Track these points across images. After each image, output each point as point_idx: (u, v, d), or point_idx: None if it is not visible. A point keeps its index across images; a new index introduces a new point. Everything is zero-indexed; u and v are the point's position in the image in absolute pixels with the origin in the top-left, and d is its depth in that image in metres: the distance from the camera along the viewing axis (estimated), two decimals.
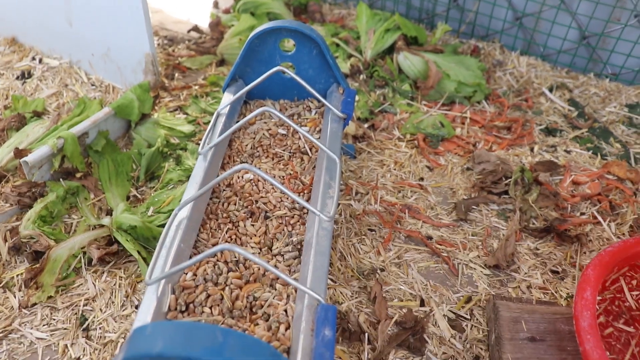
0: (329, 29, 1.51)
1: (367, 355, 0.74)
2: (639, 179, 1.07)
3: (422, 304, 0.81)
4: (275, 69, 0.86)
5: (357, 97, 1.23)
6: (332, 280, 0.83)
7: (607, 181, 1.08)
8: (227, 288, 0.69)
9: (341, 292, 0.81)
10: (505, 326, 0.73)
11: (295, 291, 0.68)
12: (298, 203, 0.75)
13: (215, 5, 1.72)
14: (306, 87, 0.87)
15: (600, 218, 0.98)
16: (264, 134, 0.94)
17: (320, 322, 0.59)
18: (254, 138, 0.94)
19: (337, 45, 1.41)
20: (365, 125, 1.16)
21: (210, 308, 0.66)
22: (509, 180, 1.03)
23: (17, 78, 1.31)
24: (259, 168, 0.87)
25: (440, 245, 0.91)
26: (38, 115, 1.16)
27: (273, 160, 0.90)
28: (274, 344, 0.61)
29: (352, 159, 1.06)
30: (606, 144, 1.21)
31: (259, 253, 0.74)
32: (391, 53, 1.38)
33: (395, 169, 1.06)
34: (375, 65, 1.34)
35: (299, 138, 0.93)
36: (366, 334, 0.76)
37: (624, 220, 0.97)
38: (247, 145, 0.92)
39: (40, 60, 1.37)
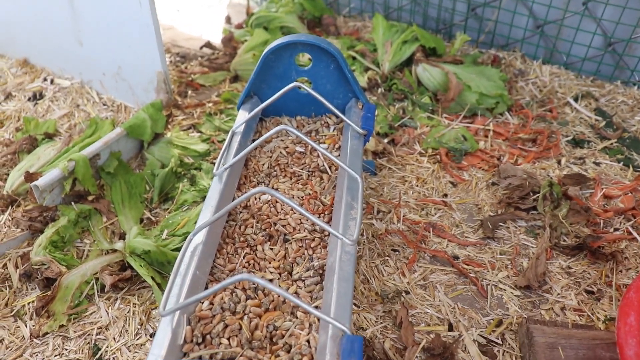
0: (345, 42, 1.49)
1: None
2: None
3: (451, 328, 0.78)
4: (291, 85, 0.83)
5: (376, 112, 1.20)
6: (355, 304, 0.79)
7: None
8: (245, 317, 0.66)
9: (365, 317, 0.78)
10: (541, 353, 0.69)
11: (318, 320, 0.64)
12: (319, 226, 0.72)
13: (228, 20, 1.70)
14: (324, 103, 0.84)
15: (635, 234, 0.94)
16: (281, 152, 0.92)
17: (346, 355, 0.56)
18: (271, 157, 0.91)
19: (354, 58, 1.39)
20: (385, 141, 1.13)
21: (229, 339, 0.63)
22: (537, 195, 0.99)
23: (29, 99, 1.30)
24: (277, 188, 0.84)
25: (468, 265, 0.87)
26: (50, 137, 1.15)
27: (291, 179, 0.88)
28: None
29: (373, 176, 1.03)
30: (638, 155, 1.17)
31: (278, 279, 0.71)
32: (409, 65, 1.36)
33: (417, 186, 1.03)
34: (393, 78, 1.32)
35: (318, 156, 0.90)
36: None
37: None
38: (263, 165, 0.89)
39: (52, 81, 1.36)
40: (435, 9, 1.56)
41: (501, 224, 0.96)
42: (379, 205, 0.97)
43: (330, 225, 0.70)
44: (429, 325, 0.78)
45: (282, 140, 0.95)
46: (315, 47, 0.93)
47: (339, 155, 0.89)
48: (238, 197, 0.78)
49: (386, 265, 0.86)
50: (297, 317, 0.66)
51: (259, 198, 0.83)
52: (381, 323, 0.78)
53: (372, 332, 0.76)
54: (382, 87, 1.31)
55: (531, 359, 0.70)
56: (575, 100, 1.33)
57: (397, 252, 0.89)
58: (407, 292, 0.83)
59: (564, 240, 0.93)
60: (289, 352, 0.62)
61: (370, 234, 0.91)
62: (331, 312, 0.62)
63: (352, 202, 0.75)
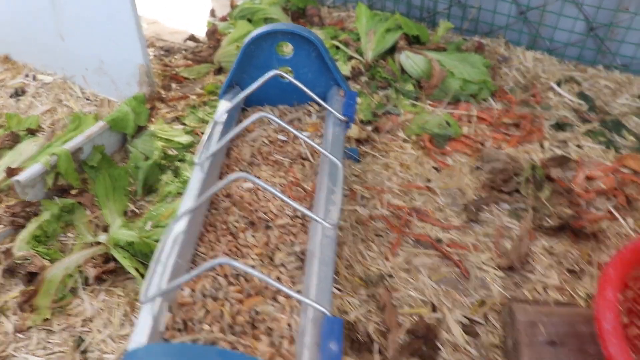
0: (329, 32, 1.49)
1: None
2: None
3: (434, 310, 0.79)
4: (271, 73, 0.83)
5: (359, 100, 1.21)
6: (338, 289, 0.80)
7: (622, 175, 1.05)
8: (227, 303, 0.66)
9: (349, 302, 0.79)
10: (522, 331, 0.70)
11: (300, 304, 0.65)
12: (299, 211, 0.73)
13: (212, 13, 1.70)
14: (305, 91, 0.84)
15: (616, 213, 0.95)
16: (263, 141, 0.92)
17: (326, 336, 0.56)
18: (253, 146, 0.91)
19: (337, 47, 1.39)
20: (369, 128, 1.13)
21: (210, 325, 0.63)
22: (520, 178, 1.00)
23: (11, 96, 1.29)
24: (259, 177, 0.84)
25: (451, 248, 0.88)
26: (32, 132, 1.14)
27: (273, 167, 0.88)
28: None
29: (357, 163, 1.04)
30: (619, 137, 1.17)
31: (260, 265, 0.72)
32: (393, 53, 1.36)
33: (401, 172, 1.03)
34: (377, 67, 1.32)
35: (300, 144, 0.91)
36: (376, 344, 0.73)
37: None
38: (245, 154, 0.89)
39: (34, 77, 1.35)
40: None
41: (484, 207, 0.96)
42: (363, 192, 0.97)
43: (311, 211, 0.71)
44: (413, 308, 0.79)
45: (264, 130, 0.95)
46: (296, 36, 0.94)
47: (321, 142, 0.90)
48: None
49: (370, 251, 0.87)
50: (278, 302, 0.67)
51: (241, 186, 0.83)
52: (365, 307, 0.78)
53: (356, 316, 0.77)
54: (366, 75, 1.31)
55: (513, 336, 0.71)
56: (559, 84, 1.34)
57: (381, 237, 0.89)
58: (391, 276, 0.83)
59: (547, 222, 0.93)
60: (270, 335, 0.62)
61: (354, 220, 0.91)
62: (312, 295, 0.62)
63: (333, 188, 0.76)
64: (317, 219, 0.69)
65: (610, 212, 0.96)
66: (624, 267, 0.69)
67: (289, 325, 0.63)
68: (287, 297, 0.66)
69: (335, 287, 0.80)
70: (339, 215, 0.70)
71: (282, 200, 0.78)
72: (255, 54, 0.97)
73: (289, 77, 0.85)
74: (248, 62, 0.98)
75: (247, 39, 0.94)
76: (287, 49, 0.97)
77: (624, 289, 0.71)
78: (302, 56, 0.96)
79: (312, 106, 0.99)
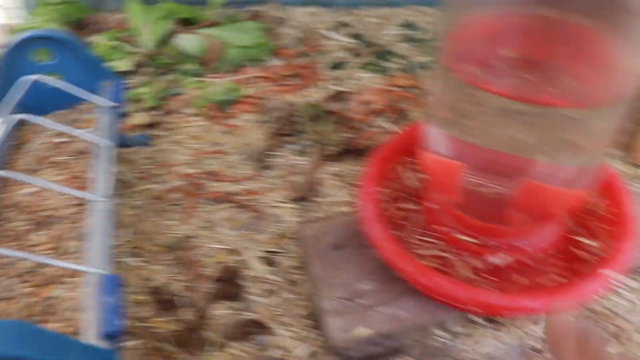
0: (109, 35, 1.49)
1: (191, 317, 0.74)
2: (418, 83, 1.15)
3: (235, 254, 0.83)
4: (32, 78, 0.83)
5: (145, 89, 1.23)
6: (143, 262, 0.82)
7: (393, 93, 1.15)
8: (22, 300, 0.67)
9: (154, 269, 0.81)
10: (309, 244, 0.76)
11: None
12: (74, 195, 0.74)
13: None
14: (70, 90, 0.85)
15: (385, 125, 1.05)
16: (37, 147, 0.92)
17: (103, 293, 0.59)
18: (28, 153, 0.91)
19: (115, 47, 1.39)
20: (158, 113, 1.16)
21: None
22: (301, 119, 1.07)
23: None
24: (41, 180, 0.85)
25: (245, 196, 0.93)
26: None
27: (55, 168, 0.88)
28: (66, 330, 0.61)
29: (148, 147, 1.06)
30: (389, 63, 1.28)
31: (55, 257, 0.73)
32: (171, 39, 1.39)
33: (193, 144, 1.07)
34: (158, 55, 1.34)
35: (80, 141, 0.91)
36: (185, 299, 0.76)
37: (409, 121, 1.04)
38: (20, 165, 0.89)
39: None
40: None
41: (273, 153, 1.02)
42: (156, 170, 1.00)
43: (88, 192, 0.73)
44: (215, 257, 0.83)
45: (38, 137, 0.95)
46: (51, 40, 0.94)
47: (99, 133, 0.91)
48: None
49: (170, 220, 0.90)
50: (68, 283, 0.68)
51: (20, 192, 0.83)
52: (170, 270, 0.82)
53: (163, 280, 0.80)
54: (150, 65, 1.33)
55: (303, 251, 0.77)
56: (332, 31, 1.43)
57: (179, 206, 0.92)
58: (194, 237, 0.87)
59: (331, 150, 1.01)
60: (59, 313, 0.64)
61: (150, 197, 0.94)
62: (93, 264, 0.64)
63: (108, 167, 0.78)
64: (90, 196, 0.71)
65: (385, 127, 1.05)
66: (379, 164, 0.78)
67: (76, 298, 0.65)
68: (73, 275, 0.68)
69: (140, 261, 0.82)
70: (111, 187, 0.72)
71: (60, 192, 0.79)
72: (12, 69, 0.96)
73: (50, 80, 0.86)
74: (8, 79, 0.96)
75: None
76: (48, 55, 0.97)
77: (384, 182, 0.80)
78: (63, 58, 0.97)
79: (85, 104, 1.00)
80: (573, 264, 0.72)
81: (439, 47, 0.60)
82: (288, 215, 0.89)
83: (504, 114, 0.56)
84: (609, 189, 0.77)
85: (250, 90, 1.22)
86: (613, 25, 0.51)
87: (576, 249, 0.74)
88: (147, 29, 1.37)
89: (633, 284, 0.79)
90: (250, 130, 1.10)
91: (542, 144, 0.58)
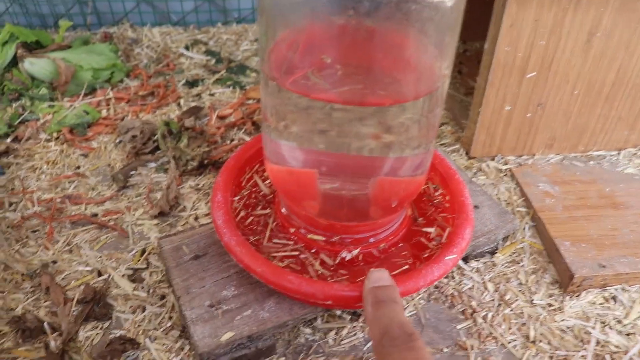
0: None
1: (56, 343, 0.73)
2: None
3: (100, 274, 0.83)
4: None
5: None
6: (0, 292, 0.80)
7: (248, 106, 1.19)
8: None
9: (13, 299, 0.80)
10: (169, 257, 0.78)
11: None
12: None
13: None
14: None
15: (246, 137, 1.08)
16: None
17: None
18: None
19: None
20: (8, 140, 1.13)
21: None
22: (157, 136, 1.08)
23: None
24: None
25: (106, 217, 0.93)
26: None
27: None
28: None
29: (1, 176, 1.03)
30: (244, 77, 1.32)
31: None
32: (17, 64, 1.35)
33: (49, 169, 1.05)
34: (3, 81, 1.30)
35: None
36: (47, 325, 0.75)
37: None
38: None
39: None
40: (35, 5, 1.56)
41: (132, 172, 1.03)
42: (10, 198, 0.97)
43: None
44: (79, 279, 0.83)
45: None
46: None
47: None
48: None
49: (27, 247, 0.88)
50: None
51: None
52: (31, 297, 0.80)
53: (23, 308, 0.78)
54: None
55: (164, 265, 0.79)
56: (187, 49, 1.45)
57: (37, 232, 0.91)
58: (55, 262, 0.86)
59: (190, 164, 1.03)
60: None
61: (5, 226, 0.91)
62: None
63: None
64: None
65: (242, 139, 1.09)
66: (230, 173, 0.81)
67: None
68: None
69: None
70: None
71: None
72: None
73: None
74: None
75: None
76: None
77: (239, 190, 0.83)
78: None
79: None
80: (419, 252, 0.77)
81: (262, 58, 0.63)
82: (151, 231, 0.90)
83: (335, 118, 0.60)
84: (447, 181, 0.84)
85: (105, 112, 1.21)
86: (414, 28, 0.58)
87: (421, 238, 0.80)
88: None
89: (475, 264, 0.87)
90: (108, 151, 1.10)
91: (378, 141, 0.63)
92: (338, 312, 0.79)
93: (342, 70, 0.60)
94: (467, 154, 1.09)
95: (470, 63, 1.39)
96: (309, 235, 0.76)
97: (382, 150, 0.64)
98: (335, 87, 0.60)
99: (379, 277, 0.63)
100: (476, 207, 0.89)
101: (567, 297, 0.83)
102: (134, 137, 1.09)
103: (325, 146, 0.64)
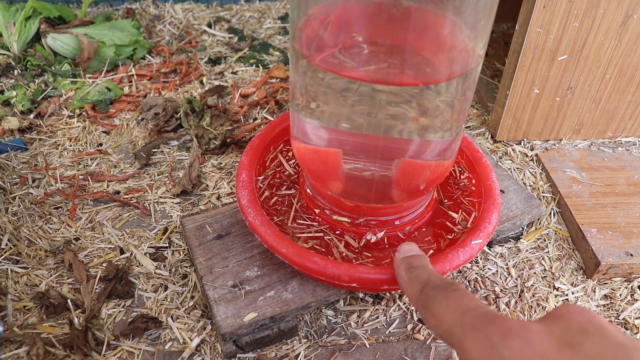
0: None
1: (79, 320, 0.74)
2: None
3: (122, 252, 0.83)
4: None
5: (15, 93, 1.19)
6: (24, 268, 0.81)
7: (271, 84, 1.17)
8: None
9: (37, 275, 0.80)
10: (191, 236, 0.77)
11: None
12: None
13: None
14: None
15: (269, 116, 1.07)
16: None
17: None
18: None
19: None
20: (31, 116, 1.12)
21: None
22: (179, 114, 1.07)
23: None
24: None
25: (129, 195, 0.93)
26: None
27: None
28: None
29: (24, 152, 1.03)
30: (267, 55, 1.31)
31: None
32: (40, 40, 1.34)
33: (71, 145, 1.05)
34: (27, 56, 1.30)
35: None
36: (70, 302, 0.75)
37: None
38: None
39: None
40: None
41: (155, 150, 1.02)
42: (33, 175, 0.97)
43: None
44: (102, 257, 0.82)
45: None
46: None
47: None
48: None
49: (51, 224, 0.88)
50: None
51: None
52: (55, 274, 0.80)
53: (46, 284, 0.79)
54: (17, 67, 1.28)
55: (187, 244, 0.78)
56: (210, 26, 1.44)
57: (60, 209, 0.91)
58: (77, 239, 0.86)
59: (213, 143, 1.02)
60: None
61: (28, 202, 0.91)
62: None
63: None
64: None
65: (265, 118, 1.08)
66: (255, 152, 0.80)
67: None
68: None
69: (20, 268, 0.81)
70: None
71: None
72: None
73: None
74: None
75: None
76: None
77: (263, 170, 0.82)
78: None
79: None
80: (444, 235, 0.76)
81: (293, 35, 0.62)
82: (173, 210, 0.90)
83: (363, 98, 0.59)
84: (473, 164, 0.83)
85: (127, 89, 1.20)
86: (450, 9, 0.56)
87: (447, 222, 0.78)
88: (11, 30, 1.32)
89: (499, 250, 0.86)
90: (130, 128, 1.09)
91: (406, 123, 0.62)
92: (361, 295, 0.78)
93: (373, 49, 0.59)
94: (492, 137, 1.07)
95: (496, 45, 1.37)
96: (334, 217, 0.75)
97: (409, 132, 0.63)
98: (365, 65, 0.59)
99: (409, 248, 0.63)
100: (502, 191, 0.88)
101: (592, 284, 0.81)
102: (156, 114, 1.08)
103: (350, 126, 0.63)
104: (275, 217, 0.76)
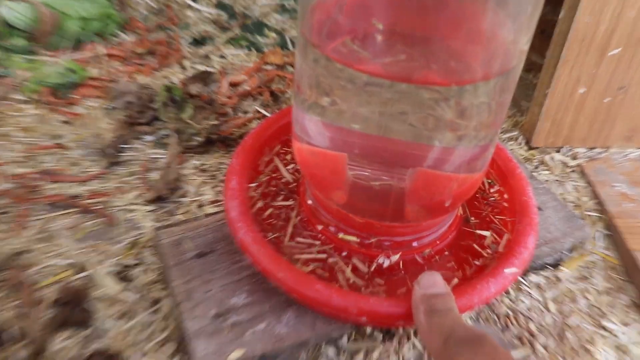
0: None
1: (24, 353, 0.70)
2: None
3: (81, 270, 0.79)
4: None
5: None
6: None
7: (267, 72, 1.14)
8: None
9: None
10: (167, 253, 0.74)
11: None
12: None
13: None
14: None
15: (263, 110, 1.04)
16: None
17: None
18: None
19: None
20: None
21: None
22: (157, 104, 1.04)
23: None
24: None
25: (92, 199, 0.89)
26: None
27: None
28: None
29: None
30: (262, 37, 1.27)
31: None
32: None
33: (24, 137, 1.01)
34: None
35: None
36: (13, 332, 0.71)
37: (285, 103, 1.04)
38: None
39: None
40: None
41: (125, 146, 0.99)
42: None
43: None
44: (57, 276, 0.79)
45: None
46: None
47: None
48: None
49: None
50: None
51: None
52: None
53: None
54: None
55: (162, 262, 0.75)
56: (195, 1, 1.40)
57: (7, 214, 0.87)
58: (27, 251, 0.82)
59: (195, 140, 0.99)
60: None
61: None
62: None
63: None
64: None
65: (257, 111, 1.04)
66: (247, 155, 0.77)
67: None
68: None
69: None
70: None
71: None
72: None
73: None
74: None
75: None
76: None
77: (256, 175, 0.79)
78: None
79: None
80: (471, 261, 0.74)
81: (302, 18, 0.59)
82: (145, 219, 0.87)
83: (379, 95, 0.56)
84: (506, 176, 0.81)
85: (95, 71, 1.17)
86: None
87: (474, 244, 0.76)
88: None
89: (535, 279, 0.83)
90: (96, 119, 1.06)
91: (428, 126, 0.59)
92: (368, 330, 0.75)
93: (395, 39, 0.56)
94: (527, 143, 1.05)
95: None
96: (340, 235, 0.73)
97: (432, 137, 0.60)
98: (385, 58, 0.56)
99: (433, 281, 0.61)
100: (538, 209, 0.85)
101: None
102: (128, 103, 1.05)
103: (361, 126, 0.61)
104: (270, 234, 0.74)
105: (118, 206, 0.89)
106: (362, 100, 0.58)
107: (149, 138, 1.01)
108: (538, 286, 0.83)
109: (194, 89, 1.08)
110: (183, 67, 1.18)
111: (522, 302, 0.81)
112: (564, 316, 0.79)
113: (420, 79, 0.56)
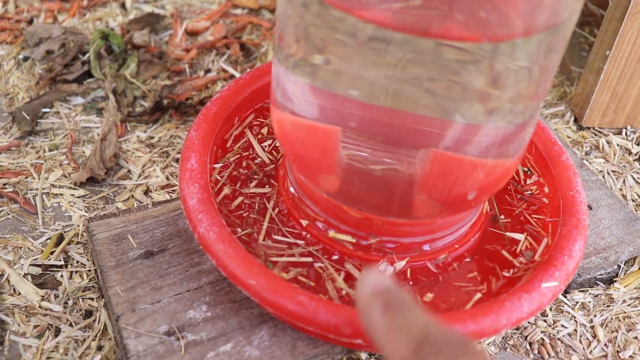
0: None
1: None
2: (274, 3, 1.18)
3: None
4: None
5: None
6: None
7: (236, 18, 1.17)
8: None
9: None
10: (103, 251, 0.76)
11: None
12: None
13: None
14: None
15: (231, 69, 1.07)
16: None
17: None
18: None
19: None
20: None
21: None
22: (88, 56, 1.06)
23: None
24: None
25: (2, 179, 0.91)
26: None
27: None
28: None
29: None
30: None
31: None
32: None
33: None
34: None
35: None
36: None
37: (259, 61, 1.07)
38: None
39: None
40: None
41: (46, 109, 1.01)
42: None
43: None
44: None
45: None
46: None
47: None
48: None
49: None
50: None
51: None
52: None
53: None
54: None
55: (96, 262, 0.77)
56: None
57: None
58: None
59: (139, 105, 1.02)
60: None
61: None
62: None
63: None
64: None
65: (224, 70, 1.08)
66: (211, 126, 0.79)
67: None
68: None
69: None
70: None
71: None
72: None
73: None
74: None
75: None
76: None
77: (223, 154, 0.82)
78: None
79: None
80: (498, 271, 0.76)
81: None
82: (74, 207, 0.89)
83: (387, 53, 0.58)
84: (547, 163, 0.83)
85: (1, 8, 1.19)
86: None
87: (503, 250, 0.78)
88: None
89: (581, 297, 0.86)
90: (5, 73, 1.08)
91: (449, 95, 0.61)
92: (364, 356, 0.78)
93: None
94: (576, 120, 1.08)
95: None
96: (331, 233, 0.75)
97: (451, 109, 0.62)
98: (395, 2, 0.58)
99: (380, 279, 0.56)
100: (589, 207, 0.88)
101: None
102: (49, 53, 1.07)
103: (361, 93, 0.62)
104: (240, 230, 0.75)
105: (36, 189, 0.92)
106: (365, 59, 0.60)
107: (78, 100, 1.03)
108: (584, 307, 0.85)
109: (139, 37, 1.10)
110: (124, 7, 1.21)
111: (563, 326, 0.83)
112: (616, 347, 0.82)
113: (441, 32, 0.56)
